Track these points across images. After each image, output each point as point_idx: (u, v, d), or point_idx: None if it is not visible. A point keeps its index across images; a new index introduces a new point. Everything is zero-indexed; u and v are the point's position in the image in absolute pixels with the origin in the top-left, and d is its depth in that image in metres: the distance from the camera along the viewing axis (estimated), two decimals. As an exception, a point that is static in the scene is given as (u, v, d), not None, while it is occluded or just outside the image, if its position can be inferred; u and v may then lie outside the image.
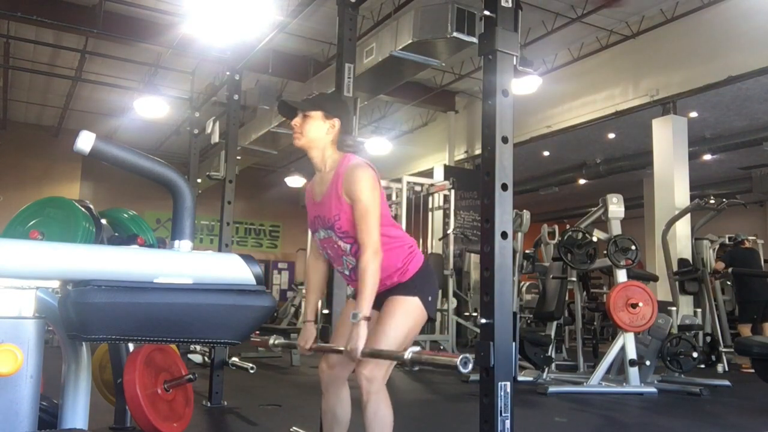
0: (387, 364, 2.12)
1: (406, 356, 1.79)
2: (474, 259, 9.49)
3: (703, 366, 6.25)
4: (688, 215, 7.96)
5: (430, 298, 2.18)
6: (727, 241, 8.14)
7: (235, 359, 4.59)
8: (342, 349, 2.08)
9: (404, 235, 2.28)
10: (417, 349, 1.81)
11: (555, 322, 6.30)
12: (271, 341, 2.52)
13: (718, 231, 8.38)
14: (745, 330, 7.58)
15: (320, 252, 2.36)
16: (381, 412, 2.09)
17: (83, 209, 2.74)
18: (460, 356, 1.60)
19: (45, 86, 11.67)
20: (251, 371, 4.53)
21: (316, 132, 2.20)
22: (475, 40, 5.66)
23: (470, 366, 1.62)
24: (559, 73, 9.84)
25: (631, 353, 5.39)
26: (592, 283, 9.89)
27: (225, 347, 4.34)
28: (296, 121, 2.22)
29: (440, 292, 7.90)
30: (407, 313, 2.12)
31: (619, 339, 5.46)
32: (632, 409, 4.78)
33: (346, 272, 2.25)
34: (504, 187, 2.00)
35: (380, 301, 2.15)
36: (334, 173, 2.18)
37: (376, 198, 2.12)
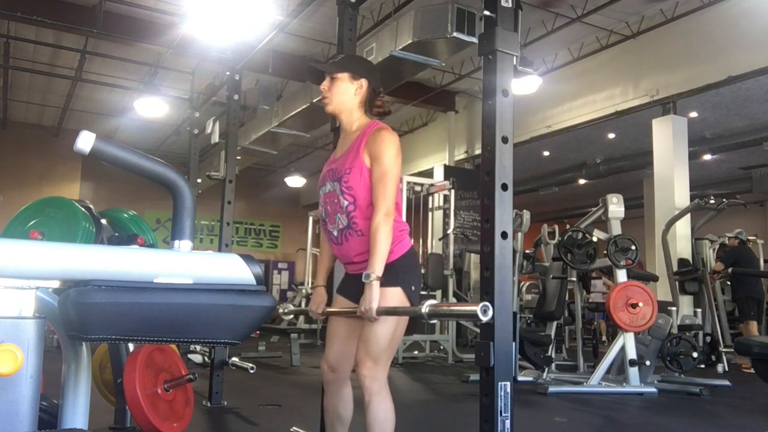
0: (385, 360, 2.11)
1: (423, 310, 1.80)
2: (474, 259, 9.48)
3: (703, 366, 6.25)
4: (688, 215, 7.95)
5: (413, 288, 2.15)
6: (727, 241, 8.13)
7: (235, 359, 4.59)
8: (354, 310, 2.08)
9: (399, 219, 2.23)
10: (433, 302, 1.81)
11: (555, 322, 6.30)
12: (281, 310, 2.52)
13: (718, 231, 8.38)
14: (753, 327, 7.52)
15: (320, 209, 2.32)
16: (383, 412, 2.08)
17: (83, 209, 2.74)
18: (480, 304, 1.58)
19: (45, 86, 11.67)
20: (251, 371, 4.53)
21: (344, 94, 2.22)
22: (475, 40, 5.66)
23: (490, 313, 1.59)
24: (559, 73, 9.83)
25: (631, 353, 5.39)
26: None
27: (225, 347, 4.35)
28: (324, 84, 2.24)
29: (440, 292, 7.90)
30: (391, 306, 2.11)
31: (619, 339, 5.46)
32: (632, 409, 4.78)
33: (335, 233, 2.21)
34: (504, 187, 2.00)
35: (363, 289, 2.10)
36: (359, 133, 2.20)
37: (398, 164, 2.13)
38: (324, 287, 2.40)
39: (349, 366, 2.27)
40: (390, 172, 2.09)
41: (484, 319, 1.60)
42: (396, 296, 2.09)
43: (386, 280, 2.06)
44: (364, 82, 2.22)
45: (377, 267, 2.02)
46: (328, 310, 2.33)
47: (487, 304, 1.60)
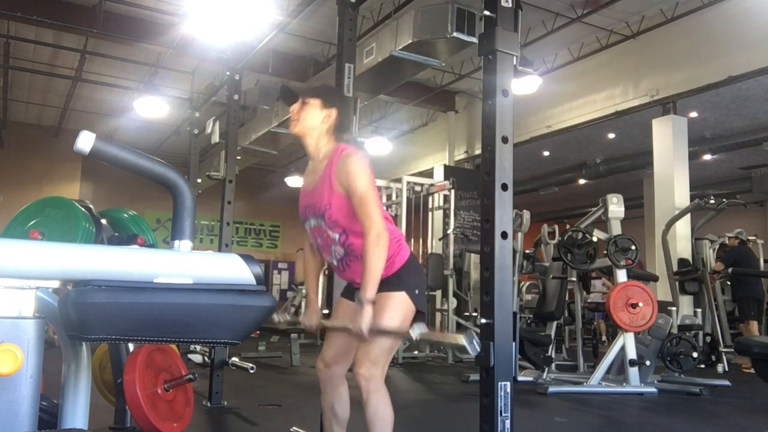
0: (383, 361, 2.15)
1: (414, 335, 1.85)
2: (474, 259, 9.47)
3: (703, 366, 6.26)
4: (688, 215, 7.95)
5: (417, 291, 2.19)
6: (727, 241, 8.13)
7: (235, 359, 4.59)
8: (349, 327, 2.10)
9: (394, 228, 2.27)
10: (424, 328, 1.86)
11: (555, 322, 6.30)
12: (276, 318, 2.54)
13: (718, 231, 8.38)
14: (753, 327, 7.52)
15: (311, 241, 2.36)
16: (381, 410, 2.12)
17: (83, 209, 2.74)
18: (465, 335, 1.67)
19: (45, 86, 11.66)
20: (251, 371, 4.53)
21: (312, 119, 2.25)
22: (475, 40, 5.66)
23: (476, 344, 1.68)
24: (559, 73, 9.83)
25: (631, 353, 5.39)
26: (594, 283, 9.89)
27: (225, 347, 4.35)
28: (294, 106, 2.29)
29: (440, 292, 7.90)
30: (395, 309, 2.14)
31: (619, 339, 5.46)
32: (632, 409, 4.78)
33: (334, 262, 2.26)
34: (504, 187, 2.00)
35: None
36: (327, 162, 2.21)
37: (371, 182, 2.15)
38: (317, 301, 2.45)
39: (345, 366, 2.31)
40: (367, 194, 2.11)
41: (473, 352, 1.70)
42: (400, 300, 2.15)
43: (391, 287, 2.12)
44: (333, 111, 2.26)
45: (369, 290, 2.04)
46: (324, 323, 2.36)
47: (473, 334, 1.68)
